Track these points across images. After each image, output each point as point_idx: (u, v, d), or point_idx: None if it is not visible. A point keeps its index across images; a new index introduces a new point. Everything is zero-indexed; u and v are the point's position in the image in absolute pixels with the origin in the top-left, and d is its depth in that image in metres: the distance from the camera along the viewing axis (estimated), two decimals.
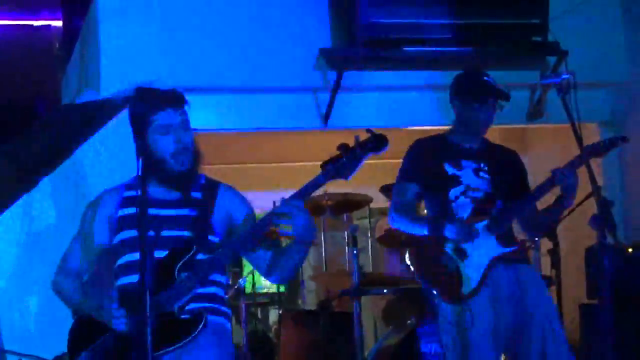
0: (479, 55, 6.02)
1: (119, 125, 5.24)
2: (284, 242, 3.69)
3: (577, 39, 6.13)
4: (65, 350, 3.57)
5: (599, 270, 3.70)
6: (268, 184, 7.93)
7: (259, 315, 8.75)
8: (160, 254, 3.39)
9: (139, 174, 3.25)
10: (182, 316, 3.41)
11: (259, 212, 3.57)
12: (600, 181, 3.97)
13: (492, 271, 4.25)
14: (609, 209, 3.79)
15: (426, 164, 4.44)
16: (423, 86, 6.26)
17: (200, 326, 3.37)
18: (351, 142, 3.32)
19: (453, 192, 4.37)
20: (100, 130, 5.82)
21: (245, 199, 3.65)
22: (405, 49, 5.99)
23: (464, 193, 4.37)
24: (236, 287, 6.87)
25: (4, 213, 5.75)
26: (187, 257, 3.42)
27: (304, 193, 3.38)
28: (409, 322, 5.86)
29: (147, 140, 3.45)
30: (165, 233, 3.41)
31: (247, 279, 7.24)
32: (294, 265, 3.57)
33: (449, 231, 4.26)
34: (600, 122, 6.59)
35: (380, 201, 6.85)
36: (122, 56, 5.80)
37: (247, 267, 7.78)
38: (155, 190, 3.50)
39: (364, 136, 3.32)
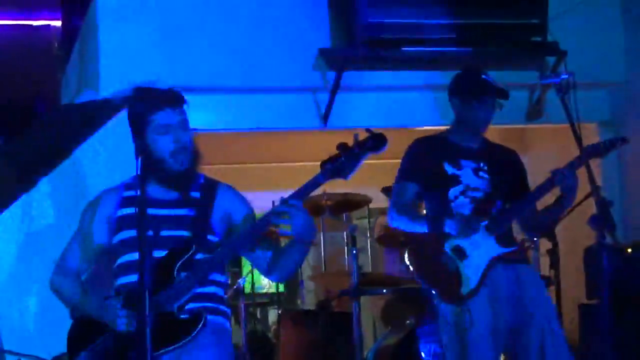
0: (478, 56, 6.02)
1: (118, 125, 5.23)
2: (283, 241, 3.69)
3: (577, 39, 6.13)
4: (65, 350, 3.57)
5: (598, 271, 3.70)
6: (267, 184, 7.92)
7: (258, 315, 8.75)
8: (159, 253, 3.40)
9: (138, 173, 3.25)
10: (182, 316, 3.41)
11: (259, 212, 3.58)
12: (599, 181, 3.97)
13: (491, 271, 4.25)
14: (608, 209, 3.79)
15: (426, 164, 4.44)
16: (422, 86, 6.26)
17: (200, 326, 3.38)
18: (350, 142, 3.32)
19: (452, 192, 4.37)
20: (99, 130, 5.82)
21: (244, 198, 3.65)
22: (404, 49, 5.99)
23: (463, 193, 4.37)
24: (235, 287, 6.87)
25: (3, 213, 5.75)
26: (186, 256, 3.42)
27: (303, 193, 3.38)
28: (408, 322, 5.86)
29: (146, 140, 3.45)
30: (164, 233, 3.42)
31: (247, 279, 7.24)
32: (293, 265, 3.58)
33: (449, 226, 4.26)
34: (600, 122, 6.59)
35: (380, 201, 6.85)
36: (121, 56, 5.79)
37: (246, 267, 7.79)
38: (155, 190, 3.50)
39: (363, 136, 3.32)
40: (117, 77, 5.67)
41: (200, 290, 3.46)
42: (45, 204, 5.81)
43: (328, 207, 7.05)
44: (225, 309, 3.59)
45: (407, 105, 6.34)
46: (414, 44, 5.98)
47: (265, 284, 8.72)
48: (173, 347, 3.35)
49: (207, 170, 3.66)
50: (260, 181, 8.20)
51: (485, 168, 4.42)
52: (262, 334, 7.95)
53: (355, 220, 8.22)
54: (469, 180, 4.39)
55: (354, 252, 5.80)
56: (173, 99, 3.51)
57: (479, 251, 4.26)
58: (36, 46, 7.95)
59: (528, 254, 5.38)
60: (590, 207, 3.87)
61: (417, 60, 6.13)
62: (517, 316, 4.25)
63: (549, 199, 4.35)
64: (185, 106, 3.53)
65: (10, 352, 5.26)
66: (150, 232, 3.11)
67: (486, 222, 4.29)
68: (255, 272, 7.28)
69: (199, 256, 3.46)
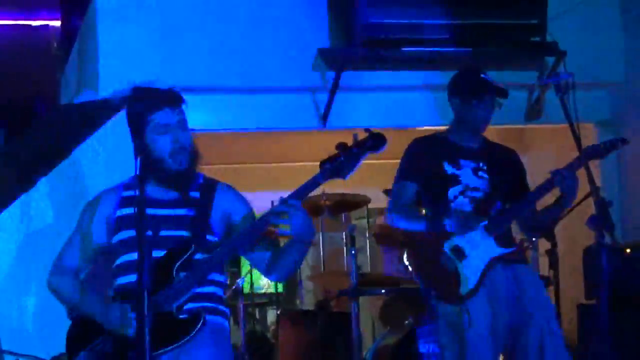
0: (478, 56, 6.01)
1: (117, 125, 5.23)
2: (283, 241, 3.69)
3: (576, 40, 6.13)
4: (63, 350, 3.57)
5: (597, 271, 3.70)
6: (266, 184, 7.92)
7: (257, 316, 8.74)
8: (158, 253, 3.39)
9: (137, 173, 3.24)
10: (181, 316, 3.41)
11: (258, 213, 3.57)
12: (598, 181, 3.97)
13: (490, 271, 4.25)
14: (607, 209, 3.79)
15: (425, 163, 4.44)
16: (421, 86, 6.26)
17: (199, 326, 3.37)
18: (350, 142, 3.32)
19: (452, 192, 4.37)
20: (98, 130, 5.82)
21: (244, 198, 3.65)
22: (403, 49, 5.99)
23: (462, 193, 4.37)
24: (234, 287, 6.87)
25: (2, 213, 5.75)
26: (185, 256, 3.42)
27: (302, 192, 3.38)
28: (407, 322, 5.86)
29: (145, 140, 3.45)
30: (163, 233, 3.40)
31: (245, 279, 7.23)
32: (292, 265, 3.58)
33: (449, 225, 4.26)
34: (599, 122, 6.58)
35: (379, 201, 6.85)
36: (120, 56, 5.79)
37: (245, 267, 7.78)
38: (154, 190, 3.50)
39: (362, 135, 3.32)
40: (117, 77, 5.66)
41: (199, 290, 3.45)
42: (44, 204, 5.80)
43: (327, 207, 7.05)
44: (225, 309, 3.59)
45: (406, 105, 6.34)
46: (413, 44, 5.97)
47: (264, 284, 8.71)
48: (172, 347, 3.35)
49: (207, 170, 3.66)
50: (259, 181, 8.20)
51: (485, 168, 4.42)
52: (261, 334, 7.95)
53: (354, 220, 8.21)
54: (469, 180, 4.39)
55: (353, 252, 5.79)
56: (172, 98, 3.51)
57: (478, 251, 4.26)
58: (35, 46, 7.94)
59: (527, 254, 5.39)
60: (590, 208, 3.87)
61: (417, 61, 6.13)
62: (516, 316, 4.25)
63: (548, 199, 4.35)
64: (184, 106, 3.53)
65: (9, 352, 5.25)
66: (150, 232, 3.11)
67: (485, 222, 4.29)
68: (254, 272, 7.28)
69: (198, 256, 3.45)
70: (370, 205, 7.62)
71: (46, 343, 5.19)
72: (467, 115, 4.44)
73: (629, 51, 6.50)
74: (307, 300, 8.21)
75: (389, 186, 4.62)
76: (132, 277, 3.36)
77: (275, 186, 6.36)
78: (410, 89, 6.30)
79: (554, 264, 5.50)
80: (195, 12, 5.98)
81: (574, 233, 5.83)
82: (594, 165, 4.32)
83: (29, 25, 8.07)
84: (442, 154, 4.43)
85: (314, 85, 6.12)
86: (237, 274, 7.76)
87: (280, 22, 6.07)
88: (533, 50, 6.20)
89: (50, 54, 7.81)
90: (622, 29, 6.53)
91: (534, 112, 6.27)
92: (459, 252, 4.27)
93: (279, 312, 7.61)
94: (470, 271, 4.24)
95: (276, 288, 8.36)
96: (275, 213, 3.38)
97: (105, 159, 5.77)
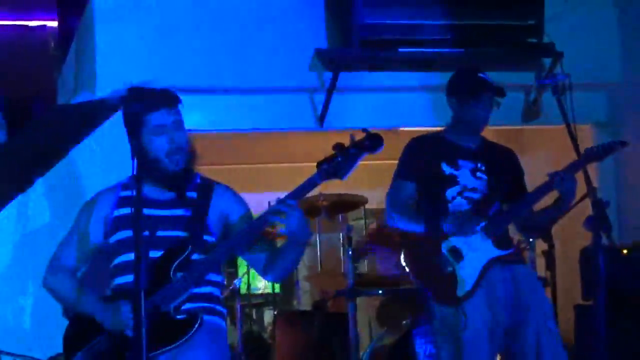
0: (475, 57, 6.02)
1: (114, 126, 5.22)
2: (280, 242, 3.69)
3: (573, 40, 6.14)
4: (60, 350, 3.57)
5: (593, 271, 3.70)
6: (264, 184, 7.92)
7: (254, 316, 8.75)
8: (155, 254, 3.40)
9: (134, 174, 3.24)
10: (178, 316, 3.41)
11: (255, 214, 3.58)
12: (595, 182, 3.97)
13: (488, 273, 4.25)
14: (604, 210, 3.79)
15: (423, 163, 4.43)
16: (418, 87, 6.26)
17: (196, 326, 3.38)
18: (347, 143, 3.32)
19: (450, 192, 4.36)
20: (95, 130, 5.81)
21: (241, 198, 3.65)
22: (400, 50, 5.99)
23: (460, 193, 4.36)
24: (231, 287, 6.87)
25: None
26: (182, 257, 3.42)
27: (299, 193, 3.38)
28: (404, 322, 5.87)
29: (142, 140, 3.46)
30: (160, 233, 3.41)
31: (242, 279, 7.24)
32: (289, 265, 3.58)
33: (447, 226, 4.26)
34: (596, 123, 6.58)
35: (376, 202, 6.85)
36: (117, 57, 5.79)
37: (242, 267, 7.78)
38: (151, 190, 3.50)
39: (359, 136, 3.32)
40: (114, 77, 5.66)
41: (196, 290, 3.46)
42: (41, 204, 5.79)
43: (324, 208, 7.06)
44: (222, 309, 3.59)
45: (403, 106, 6.33)
46: (410, 44, 5.98)
47: (261, 285, 8.71)
48: (169, 347, 3.35)
49: (204, 171, 3.66)
50: (256, 182, 8.20)
51: (483, 168, 4.42)
52: (258, 335, 7.95)
53: (351, 221, 8.19)
54: (467, 180, 4.38)
55: (350, 252, 5.80)
56: (168, 99, 3.51)
57: (476, 253, 4.26)
58: (32, 46, 7.94)
59: (524, 255, 5.39)
60: (587, 208, 3.87)
61: (414, 61, 6.14)
62: (513, 316, 4.25)
63: (547, 200, 4.35)
64: (180, 106, 3.54)
65: (6, 353, 5.25)
66: (147, 233, 3.11)
67: (483, 223, 4.29)
68: (251, 272, 7.29)
69: (195, 256, 3.46)
70: (367, 206, 7.62)
71: (43, 343, 5.18)
72: (466, 115, 4.43)
73: (626, 52, 6.50)
74: (304, 301, 8.21)
75: (386, 187, 4.62)
76: (129, 278, 3.35)
77: (272, 187, 6.37)
78: (408, 89, 6.30)
79: (551, 264, 5.50)
80: (193, 13, 5.98)
81: (571, 234, 5.82)
82: (591, 166, 4.31)
83: (26, 26, 8.06)
84: (440, 154, 4.42)
85: (311, 85, 6.12)
86: (234, 275, 7.76)
87: (277, 22, 6.07)
88: (530, 51, 6.20)
89: (48, 54, 7.81)
90: (618, 30, 6.53)
91: (531, 113, 6.27)
92: (457, 254, 4.26)
93: (275, 313, 7.61)
94: (467, 273, 4.23)
95: (273, 288, 8.37)
96: (272, 212, 3.39)
97: (102, 159, 5.76)
